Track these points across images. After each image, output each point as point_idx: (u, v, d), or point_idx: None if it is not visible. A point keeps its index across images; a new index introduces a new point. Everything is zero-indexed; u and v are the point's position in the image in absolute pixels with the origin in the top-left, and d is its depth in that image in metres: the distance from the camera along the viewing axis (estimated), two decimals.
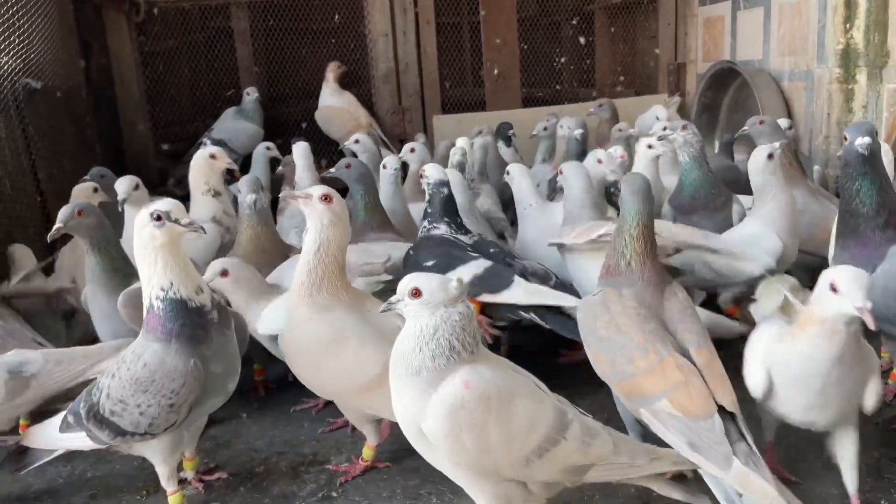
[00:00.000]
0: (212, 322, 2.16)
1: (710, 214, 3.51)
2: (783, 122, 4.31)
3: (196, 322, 2.13)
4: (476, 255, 2.88)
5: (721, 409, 2.03)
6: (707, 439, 1.97)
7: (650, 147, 3.96)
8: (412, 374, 1.82)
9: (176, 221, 2.09)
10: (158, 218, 2.07)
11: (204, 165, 3.71)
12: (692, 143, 3.57)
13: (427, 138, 5.91)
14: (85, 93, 5.36)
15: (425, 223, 3.06)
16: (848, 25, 4.47)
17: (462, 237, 2.98)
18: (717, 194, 3.57)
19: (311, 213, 2.30)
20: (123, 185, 3.46)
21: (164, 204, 2.11)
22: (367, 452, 2.57)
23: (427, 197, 3.08)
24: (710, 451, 1.96)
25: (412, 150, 4.30)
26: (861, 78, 4.45)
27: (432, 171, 3.07)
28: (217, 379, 2.20)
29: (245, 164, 5.68)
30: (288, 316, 2.38)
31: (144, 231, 2.09)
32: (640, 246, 2.31)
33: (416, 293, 1.83)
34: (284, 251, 3.24)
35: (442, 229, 3.00)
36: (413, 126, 6.17)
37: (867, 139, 2.46)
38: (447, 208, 3.02)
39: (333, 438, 2.73)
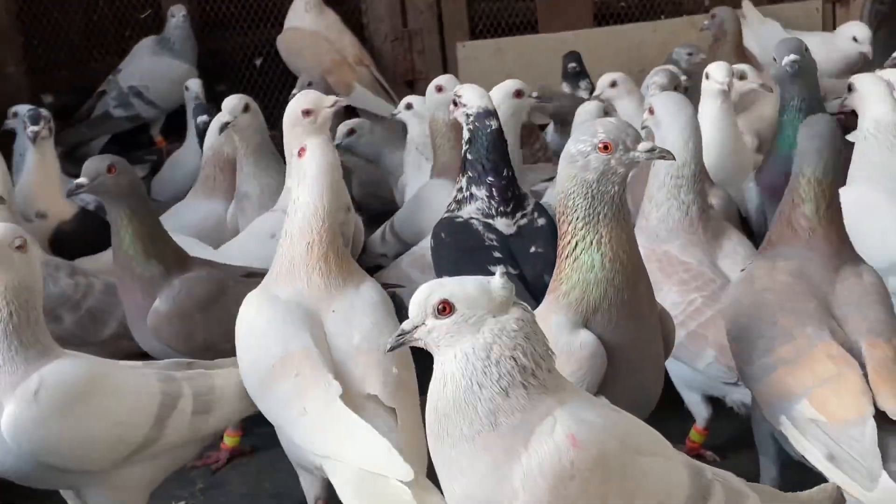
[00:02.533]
0: None
1: None
2: None
3: None
4: (498, 261, 2.52)
5: (884, 418, 1.82)
6: (852, 449, 1.78)
7: None
8: (486, 431, 1.50)
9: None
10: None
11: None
12: None
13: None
14: None
15: (461, 184, 2.69)
16: None
17: (500, 222, 2.63)
18: None
19: None
20: None
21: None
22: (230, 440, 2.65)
23: (465, 139, 2.72)
24: (853, 465, 1.78)
25: (408, 106, 3.76)
26: None
27: (470, 96, 2.73)
28: None
29: (172, 123, 5.04)
30: None
31: None
32: (812, 207, 2.10)
33: (446, 309, 1.53)
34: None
35: (477, 203, 2.65)
36: (426, 59, 5.39)
37: None
38: (495, 156, 2.66)
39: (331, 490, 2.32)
